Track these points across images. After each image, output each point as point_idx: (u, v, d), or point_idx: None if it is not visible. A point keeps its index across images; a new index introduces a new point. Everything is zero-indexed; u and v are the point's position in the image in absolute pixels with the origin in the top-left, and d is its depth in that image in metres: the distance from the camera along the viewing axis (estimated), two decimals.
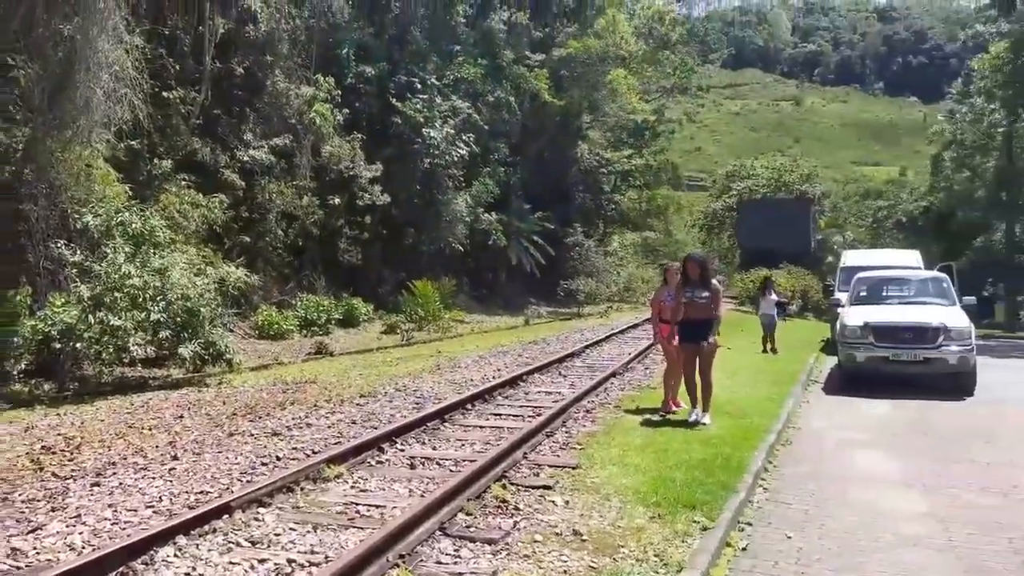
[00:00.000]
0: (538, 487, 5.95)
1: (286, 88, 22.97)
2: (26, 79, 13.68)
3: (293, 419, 8.63)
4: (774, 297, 17.22)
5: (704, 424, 8.24)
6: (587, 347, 16.04)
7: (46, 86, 13.53)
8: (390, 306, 25.31)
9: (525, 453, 6.90)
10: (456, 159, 29.44)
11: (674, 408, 8.98)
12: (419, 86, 29.00)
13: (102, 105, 13.91)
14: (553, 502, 5.60)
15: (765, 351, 15.90)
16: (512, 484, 6.01)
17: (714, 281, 8.68)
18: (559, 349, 15.75)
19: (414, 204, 28.31)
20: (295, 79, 23.68)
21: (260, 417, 8.89)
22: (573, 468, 6.50)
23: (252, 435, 7.82)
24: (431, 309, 23.34)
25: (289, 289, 22.77)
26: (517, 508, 5.44)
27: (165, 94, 18.29)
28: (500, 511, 5.38)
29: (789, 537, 5.09)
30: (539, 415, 8.40)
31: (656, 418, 8.67)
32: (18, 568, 4.26)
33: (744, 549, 4.90)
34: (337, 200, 24.49)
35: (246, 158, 21.37)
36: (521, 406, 9.39)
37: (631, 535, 4.88)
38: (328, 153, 24.23)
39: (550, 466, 6.59)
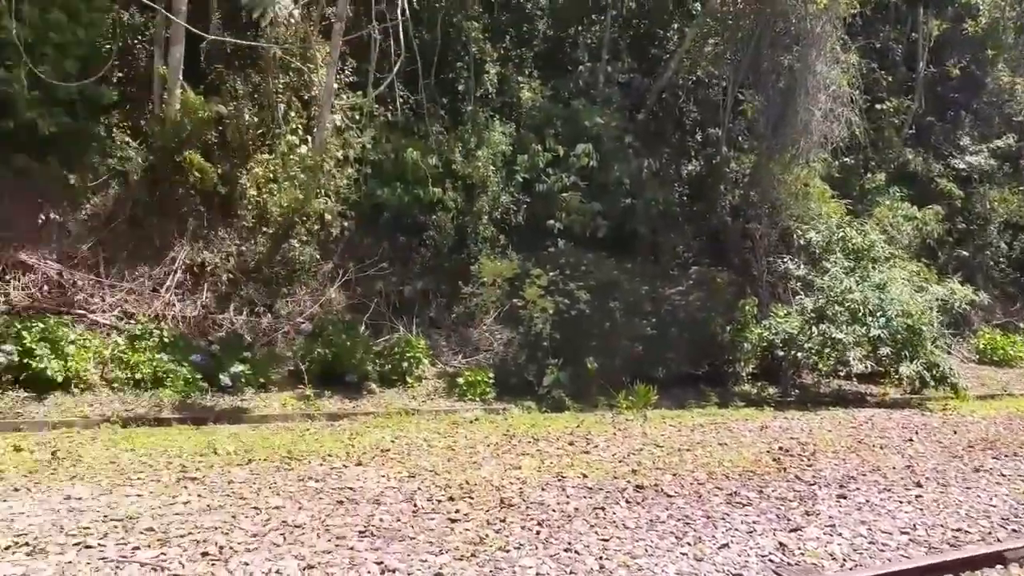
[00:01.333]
0: None
1: (1010, 82, 20.08)
2: (752, 111, 15.45)
3: None
4: None
5: None
6: None
7: (769, 115, 14.99)
8: None
9: None
10: None
11: None
12: None
13: (820, 125, 14.81)
14: None
15: None
16: None
17: None
18: None
19: None
20: (1021, 71, 20.46)
21: (1004, 455, 7.74)
22: None
23: (1002, 474, 6.81)
24: None
25: (1015, 310, 19.61)
26: None
27: (877, 106, 18.15)
28: None
29: None
30: None
31: None
32: (789, 564, 4.48)
33: None
34: None
35: (962, 165, 19.55)
36: None
37: None
38: None
39: None
